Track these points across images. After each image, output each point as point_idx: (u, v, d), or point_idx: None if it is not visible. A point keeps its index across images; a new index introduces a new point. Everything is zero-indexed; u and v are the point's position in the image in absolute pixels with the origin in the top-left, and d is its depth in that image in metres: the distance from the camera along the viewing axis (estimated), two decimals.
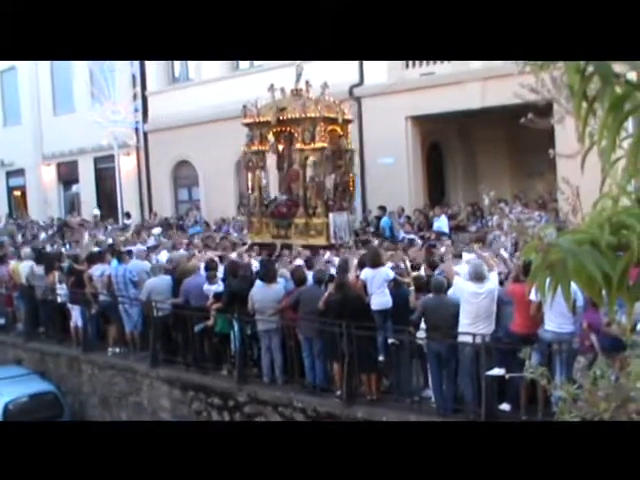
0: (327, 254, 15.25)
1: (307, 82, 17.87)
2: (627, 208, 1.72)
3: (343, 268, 12.31)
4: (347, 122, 18.53)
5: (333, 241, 17.19)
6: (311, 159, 17.65)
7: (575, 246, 1.62)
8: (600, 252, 1.63)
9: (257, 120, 18.36)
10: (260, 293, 12.30)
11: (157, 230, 21.79)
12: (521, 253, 9.01)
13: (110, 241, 20.17)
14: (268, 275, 12.43)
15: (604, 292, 1.67)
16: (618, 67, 1.70)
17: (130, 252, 16.39)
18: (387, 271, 11.52)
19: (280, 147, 18.93)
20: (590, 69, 1.67)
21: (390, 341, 11.49)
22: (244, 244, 17.34)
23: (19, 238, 24.71)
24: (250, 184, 18.87)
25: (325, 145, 17.54)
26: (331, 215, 17.51)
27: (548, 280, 1.66)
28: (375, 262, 11.60)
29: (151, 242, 20.03)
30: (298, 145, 17.73)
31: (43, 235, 25.44)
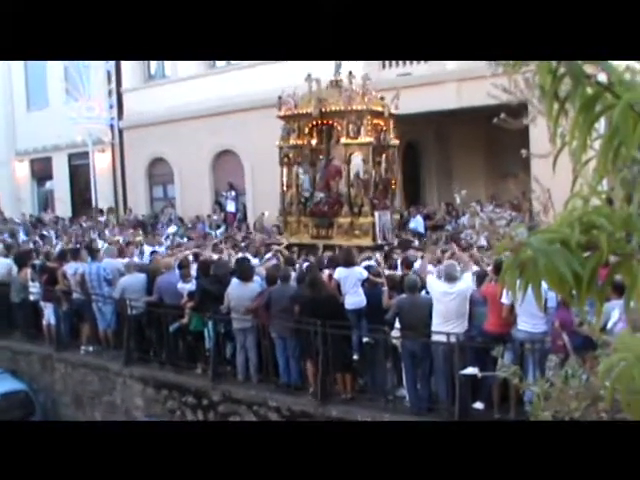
0: (364, 254, 14.18)
1: (350, 73, 16.69)
2: (597, 208, 1.73)
3: (315, 267, 12.36)
4: (392, 116, 17.43)
5: (379, 241, 16.25)
6: (356, 154, 16.64)
7: (546, 245, 1.63)
8: (570, 251, 1.64)
9: (295, 112, 17.26)
10: (236, 291, 12.28)
11: (172, 229, 21.05)
12: (492, 252, 9.06)
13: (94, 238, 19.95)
14: (244, 274, 12.41)
15: (574, 291, 1.68)
16: (589, 68, 1.71)
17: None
18: (360, 270, 11.54)
19: (313, 141, 17.60)
20: (562, 70, 1.68)
21: (364, 340, 11.52)
22: (279, 244, 16.43)
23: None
24: (286, 181, 17.68)
25: (372, 140, 16.52)
26: (377, 214, 16.47)
27: (519, 279, 1.67)
28: (348, 261, 11.61)
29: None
30: (343, 140, 16.60)
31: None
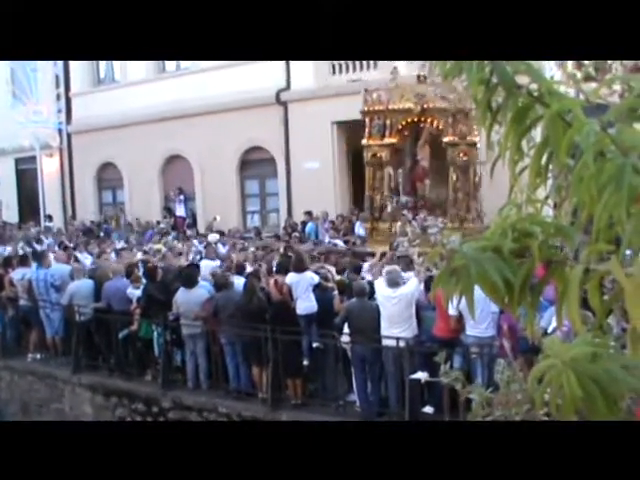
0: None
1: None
2: (530, 215, 1.76)
3: (254, 274, 12.40)
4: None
5: None
6: (461, 156, 15.00)
7: (478, 253, 1.66)
8: (503, 259, 1.66)
9: (389, 107, 15.83)
10: (183, 297, 12.22)
11: (213, 237, 19.38)
12: (425, 259, 9.14)
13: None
14: (188, 280, 12.35)
15: (507, 298, 1.71)
16: (521, 79, 1.74)
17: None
18: (312, 275, 11.55)
19: (392, 140, 16.06)
20: (494, 80, 1.71)
21: (315, 345, 11.53)
22: (369, 254, 14.83)
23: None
24: (372, 183, 16.30)
25: (476, 140, 14.80)
26: (486, 219, 14.72)
27: (452, 287, 1.69)
28: (299, 267, 11.61)
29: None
30: (447, 139, 15.06)
31: None
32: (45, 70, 26.80)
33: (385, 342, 10.51)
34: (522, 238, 1.70)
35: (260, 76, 21.46)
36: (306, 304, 11.35)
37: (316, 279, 11.48)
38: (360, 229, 19.05)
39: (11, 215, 29.72)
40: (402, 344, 10.17)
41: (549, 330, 6.76)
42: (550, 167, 1.76)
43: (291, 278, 11.48)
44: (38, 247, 17.80)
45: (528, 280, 1.69)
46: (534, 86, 1.71)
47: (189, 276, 12.53)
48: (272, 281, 11.93)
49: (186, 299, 12.22)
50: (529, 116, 1.71)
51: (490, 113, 1.75)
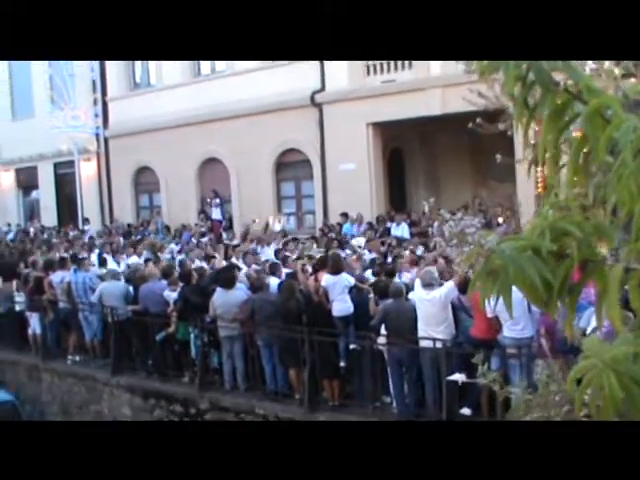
0: None
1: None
2: (568, 215, 1.74)
3: (292, 274, 12.43)
4: None
5: None
6: None
7: (516, 253, 1.63)
8: (541, 259, 1.64)
9: None
10: (221, 299, 12.27)
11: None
12: (462, 260, 9.07)
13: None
14: (226, 281, 12.41)
15: (546, 299, 1.69)
16: (558, 76, 1.72)
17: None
18: (347, 277, 11.52)
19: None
20: (531, 77, 1.68)
21: (352, 347, 11.50)
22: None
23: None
24: (548, 181, 16.05)
25: None
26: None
27: (490, 287, 1.67)
28: (336, 268, 11.59)
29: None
30: None
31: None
32: (82, 75, 27.07)
33: (422, 343, 10.46)
34: (561, 238, 1.67)
35: (295, 78, 21.50)
36: (342, 306, 11.32)
37: (352, 281, 11.45)
38: (398, 230, 19.00)
39: (50, 218, 30.06)
40: (439, 345, 10.11)
41: (588, 331, 6.69)
42: (589, 165, 1.74)
43: (327, 280, 11.46)
44: (163, 256, 17.31)
45: (567, 280, 1.66)
46: (572, 83, 1.69)
47: (228, 277, 12.59)
48: (311, 280, 11.95)
49: (224, 300, 12.27)
50: (567, 113, 1.69)
51: (527, 111, 1.73)
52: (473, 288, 1.69)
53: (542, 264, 1.63)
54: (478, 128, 2.02)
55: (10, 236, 27.45)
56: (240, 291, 12.44)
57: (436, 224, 14.38)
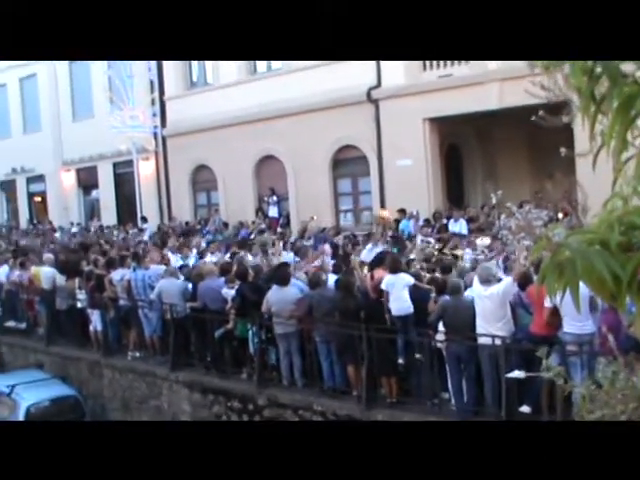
0: None
1: None
2: (637, 208, 1.71)
3: (347, 270, 12.41)
4: None
5: None
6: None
7: (584, 246, 1.61)
8: (610, 253, 1.61)
9: None
10: (275, 296, 12.34)
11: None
12: (529, 253, 8.94)
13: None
14: (280, 279, 12.47)
15: (614, 293, 1.66)
16: (626, 67, 1.69)
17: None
18: (407, 277, 11.46)
19: None
20: (598, 69, 1.66)
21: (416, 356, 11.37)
22: None
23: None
24: None
25: None
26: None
27: (557, 281, 1.65)
28: (394, 268, 11.53)
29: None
30: None
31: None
32: (140, 76, 27.42)
33: (480, 340, 10.37)
34: (629, 231, 1.65)
35: (351, 74, 21.47)
36: (401, 305, 11.24)
37: (411, 280, 11.36)
38: (455, 226, 18.86)
39: (110, 217, 30.56)
40: (498, 342, 10.01)
41: None
42: None
43: (386, 280, 11.41)
44: (271, 253, 16.71)
45: (636, 274, 1.63)
46: None
47: (282, 274, 12.65)
48: (368, 277, 11.93)
49: (279, 298, 12.33)
50: (635, 105, 1.66)
51: (594, 103, 1.70)
52: (540, 282, 1.67)
53: (611, 258, 1.61)
54: (541, 121, 1.99)
55: (75, 230, 28.09)
56: (295, 288, 12.50)
57: (503, 217, 14.29)
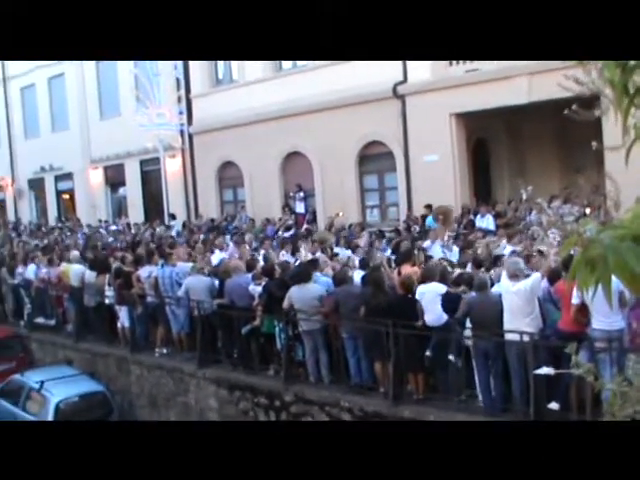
0: None
1: None
2: None
3: (375, 267, 12.37)
4: None
5: None
6: None
7: (616, 242, 1.58)
8: None
9: None
10: (297, 293, 12.35)
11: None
12: (560, 249, 8.87)
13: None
14: (301, 276, 12.48)
15: None
16: None
17: None
18: (439, 286, 11.29)
19: None
20: (631, 63, 1.63)
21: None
22: None
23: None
24: None
25: None
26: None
27: (589, 277, 1.63)
28: (426, 278, 11.44)
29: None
30: None
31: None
32: (166, 74, 27.52)
33: (508, 336, 10.30)
34: None
35: (377, 70, 21.41)
36: (433, 317, 11.10)
37: (443, 289, 11.21)
38: (483, 222, 18.74)
39: (137, 214, 30.73)
40: (526, 338, 9.94)
41: None
42: None
43: (419, 289, 11.30)
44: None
45: None
46: None
47: (304, 271, 12.67)
48: (395, 273, 11.88)
49: (301, 295, 12.34)
50: None
51: (627, 96, 1.67)
52: (571, 278, 1.64)
53: None
54: (574, 115, 1.96)
55: (115, 228, 28.27)
56: (317, 285, 12.50)
57: (534, 213, 14.14)
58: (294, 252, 16.30)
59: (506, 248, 13.80)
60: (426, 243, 15.88)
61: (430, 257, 14.04)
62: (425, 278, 11.45)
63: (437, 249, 15.29)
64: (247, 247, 17.84)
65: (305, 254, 15.58)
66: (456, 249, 14.99)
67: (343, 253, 15.94)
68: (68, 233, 28.42)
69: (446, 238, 15.81)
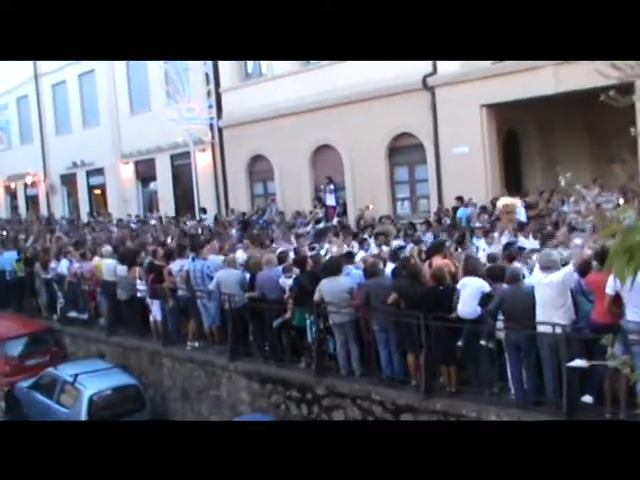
0: None
1: None
2: None
3: (404, 258, 12.33)
4: None
5: None
6: None
7: None
8: None
9: None
10: (328, 286, 12.34)
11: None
12: (598, 237, 8.75)
13: None
14: (330, 269, 12.47)
15: None
16: None
17: None
18: (482, 283, 11.07)
19: None
20: None
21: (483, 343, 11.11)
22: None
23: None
24: None
25: None
26: None
27: (627, 266, 1.59)
28: (470, 270, 11.33)
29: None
30: None
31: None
32: (196, 69, 27.62)
33: (540, 328, 10.20)
34: None
35: (406, 62, 21.31)
36: (467, 309, 10.97)
37: (486, 288, 10.99)
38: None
39: (168, 209, 30.89)
40: (558, 330, 9.84)
41: None
42: None
43: (462, 281, 11.20)
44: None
45: None
46: None
47: (334, 264, 12.66)
48: (426, 265, 11.81)
49: (331, 288, 12.33)
50: None
51: None
52: (608, 268, 1.61)
53: None
54: (611, 101, 1.93)
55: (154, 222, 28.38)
56: (348, 277, 12.48)
57: (572, 200, 14.01)
58: (362, 244, 16.12)
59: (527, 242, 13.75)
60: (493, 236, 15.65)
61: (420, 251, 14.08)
62: (469, 272, 11.33)
63: (482, 243, 15.24)
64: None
65: (337, 247, 15.56)
66: (535, 242, 14.65)
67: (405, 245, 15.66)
68: (98, 229, 28.60)
69: (508, 232, 15.71)
